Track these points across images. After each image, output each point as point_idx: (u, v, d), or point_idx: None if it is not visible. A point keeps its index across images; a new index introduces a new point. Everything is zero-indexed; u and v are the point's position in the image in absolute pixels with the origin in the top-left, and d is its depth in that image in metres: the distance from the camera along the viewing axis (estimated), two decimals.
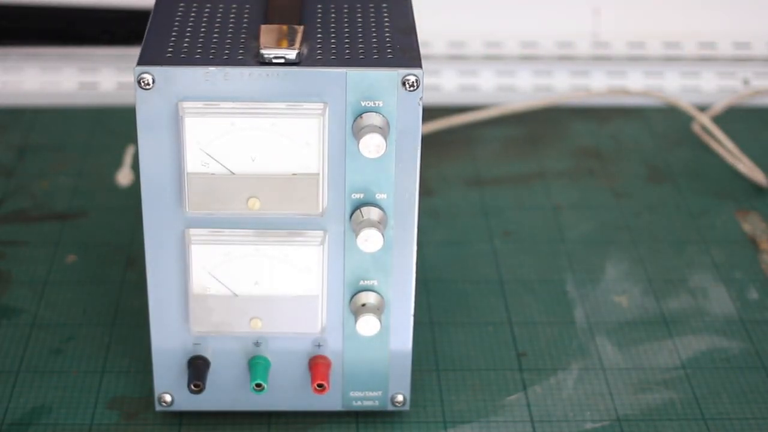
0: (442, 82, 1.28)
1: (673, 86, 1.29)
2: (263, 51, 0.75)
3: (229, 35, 0.78)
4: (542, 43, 1.32)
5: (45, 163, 1.15)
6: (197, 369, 0.81)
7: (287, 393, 0.83)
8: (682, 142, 1.21)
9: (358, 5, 0.83)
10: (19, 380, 0.88)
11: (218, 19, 0.80)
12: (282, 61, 0.74)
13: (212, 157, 0.75)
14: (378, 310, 0.80)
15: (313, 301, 0.80)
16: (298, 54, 0.75)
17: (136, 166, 1.12)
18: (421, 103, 0.75)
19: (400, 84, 0.75)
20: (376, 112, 0.75)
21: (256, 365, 0.82)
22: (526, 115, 1.25)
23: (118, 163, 1.15)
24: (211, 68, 0.74)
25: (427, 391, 0.88)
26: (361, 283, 0.80)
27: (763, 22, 1.34)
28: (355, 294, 0.80)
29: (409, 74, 0.75)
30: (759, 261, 1.03)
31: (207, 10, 0.81)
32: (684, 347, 0.93)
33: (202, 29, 0.79)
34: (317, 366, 0.82)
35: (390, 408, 0.84)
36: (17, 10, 1.31)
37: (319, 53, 0.76)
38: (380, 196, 0.78)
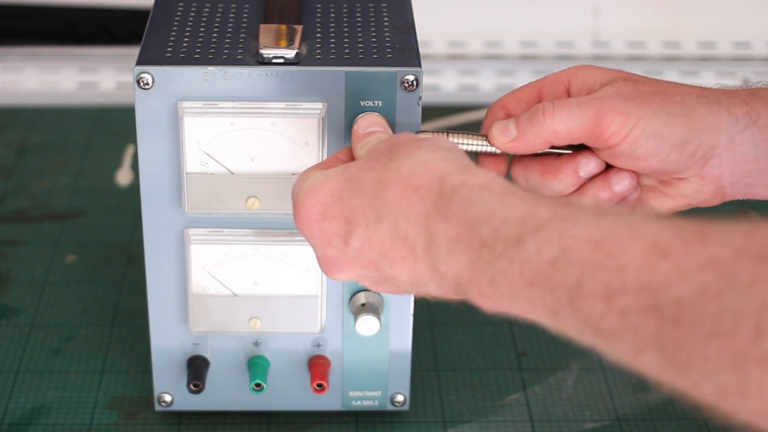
0: (442, 82, 1.28)
1: None
2: (262, 51, 0.75)
3: (229, 35, 0.78)
4: (542, 43, 1.32)
5: (44, 163, 1.15)
6: (197, 369, 0.81)
7: (287, 393, 0.83)
8: None
9: (358, 5, 0.83)
10: (19, 380, 0.88)
11: (217, 19, 0.80)
12: (281, 60, 0.74)
13: (211, 157, 0.75)
14: (377, 309, 0.80)
15: (312, 301, 0.80)
16: (297, 54, 0.75)
17: (135, 166, 1.12)
18: (420, 102, 0.75)
19: (399, 83, 0.74)
20: (375, 111, 0.75)
21: (255, 365, 0.81)
22: None
23: (117, 163, 1.15)
24: (211, 68, 0.74)
25: (426, 391, 0.88)
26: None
27: (763, 22, 1.34)
28: (355, 294, 0.80)
29: (408, 74, 0.74)
30: None
31: (206, 9, 0.81)
32: None
33: (202, 29, 0.79)
34: (316, 366, 0.82)
35: (390, 408, 0.84)
36: (17, 10, 1.31)
37: (318, 53, 0.76)
38: None
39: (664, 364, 0.51)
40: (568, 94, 0.75)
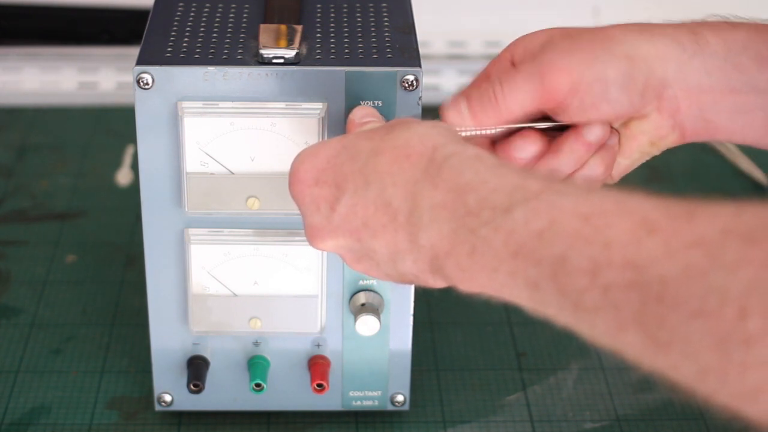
0: (442, 82, 1.28)
1: None
2: (262, 51, 0.75)
3: (229, 35, 0.78)
4: None
5: (44, 163, 1.15)
6: (197, 369, 0.81)
7: (286, 393, 0.83)
8: None
9: (358, 5, 0.83)
10: (19, 380, 0.88)
11: (217, 19, 0.80)
12: (281, 60, 0.74)
13: (211, 157, 0.75)
14: (377, 309, 0.80)
15: (312, 301, 0.80)
16: (297, 53, 0.75)
17: (135, 166, 1.12)
18: (420, 102, 0.75)
19: (399, 83, 0.74)
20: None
21: (255, 365, 0.81)
22: None
23: (117, 163, 1.15)
24: (210, 68, 0.74)
25: (426, 391, 0.88)
26: (361, 282, 0.80)
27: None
28: (355, 294, 0.80)
29: (408, 74, 0.75)
30: None
31: (206, 9, 0.81)
32: None
33: (202, 29, 0.79)
34: (316, 366, 0.82)
35: (389, 408, 0.84)
36: (17, 10, 1.31)
37: (318, 53, 0.76)
38: None
39: (644, 342, 0.51)
40: (513, 65, 0.74)
